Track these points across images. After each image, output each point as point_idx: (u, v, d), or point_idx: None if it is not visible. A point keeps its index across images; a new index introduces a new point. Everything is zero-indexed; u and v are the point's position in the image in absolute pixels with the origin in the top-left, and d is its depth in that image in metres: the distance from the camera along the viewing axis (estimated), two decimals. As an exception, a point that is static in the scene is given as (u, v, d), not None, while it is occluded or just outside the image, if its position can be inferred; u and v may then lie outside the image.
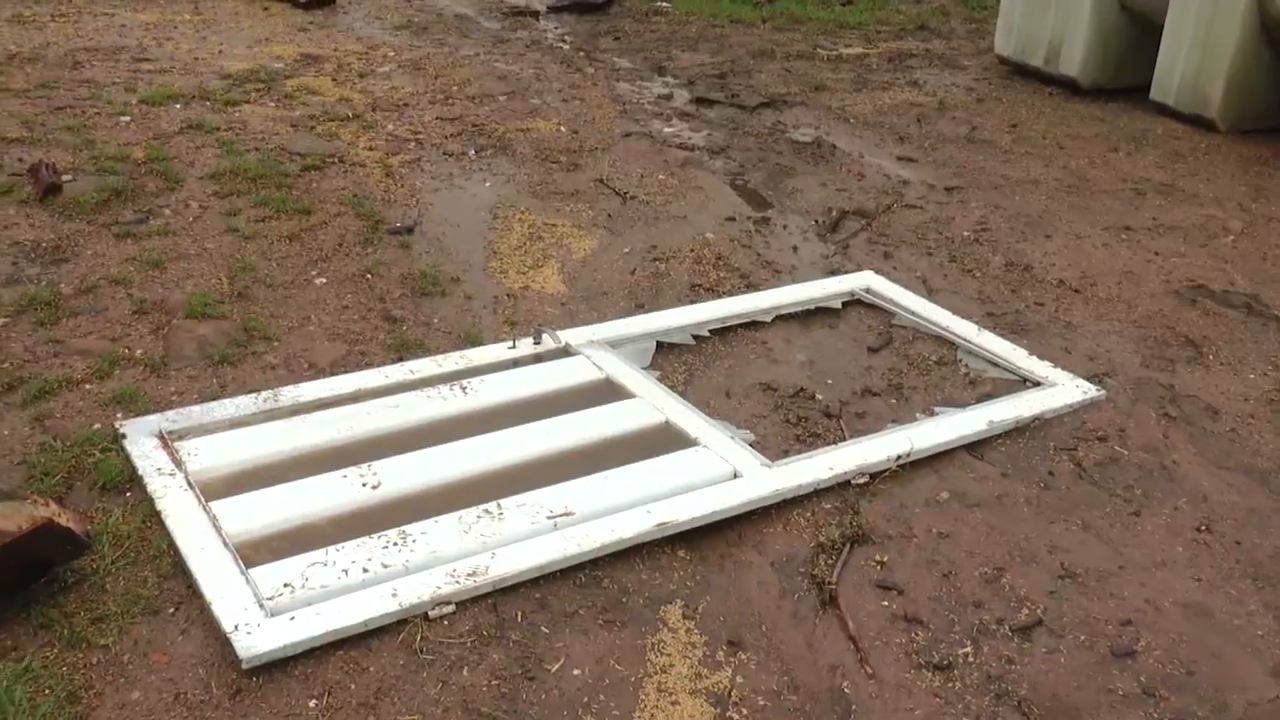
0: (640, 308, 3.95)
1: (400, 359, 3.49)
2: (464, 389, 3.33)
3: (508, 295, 3.96)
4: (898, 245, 4.64)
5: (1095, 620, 2.64)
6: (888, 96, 6.65)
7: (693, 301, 4.01)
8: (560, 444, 3.11)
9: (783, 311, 3.99)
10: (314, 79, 6.06)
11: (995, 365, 3.74)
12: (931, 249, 4.62)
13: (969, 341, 3.85)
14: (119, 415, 3.11)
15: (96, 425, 3.08)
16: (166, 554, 2.62)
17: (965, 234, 4.78)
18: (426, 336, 3.65)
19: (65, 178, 4.53)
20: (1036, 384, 3.62)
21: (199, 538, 2.64)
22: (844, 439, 3.28)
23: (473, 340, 3.64)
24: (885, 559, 2.80)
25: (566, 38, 7.47)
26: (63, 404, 3.17)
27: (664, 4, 8.45)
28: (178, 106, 5.48)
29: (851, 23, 8.32)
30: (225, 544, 2.62)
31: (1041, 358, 3.76)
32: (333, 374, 3.38)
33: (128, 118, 5.29)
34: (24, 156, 4.72)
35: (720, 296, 4.06)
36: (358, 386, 3.30)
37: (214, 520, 2.69)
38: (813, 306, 4.06)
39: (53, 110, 5.31)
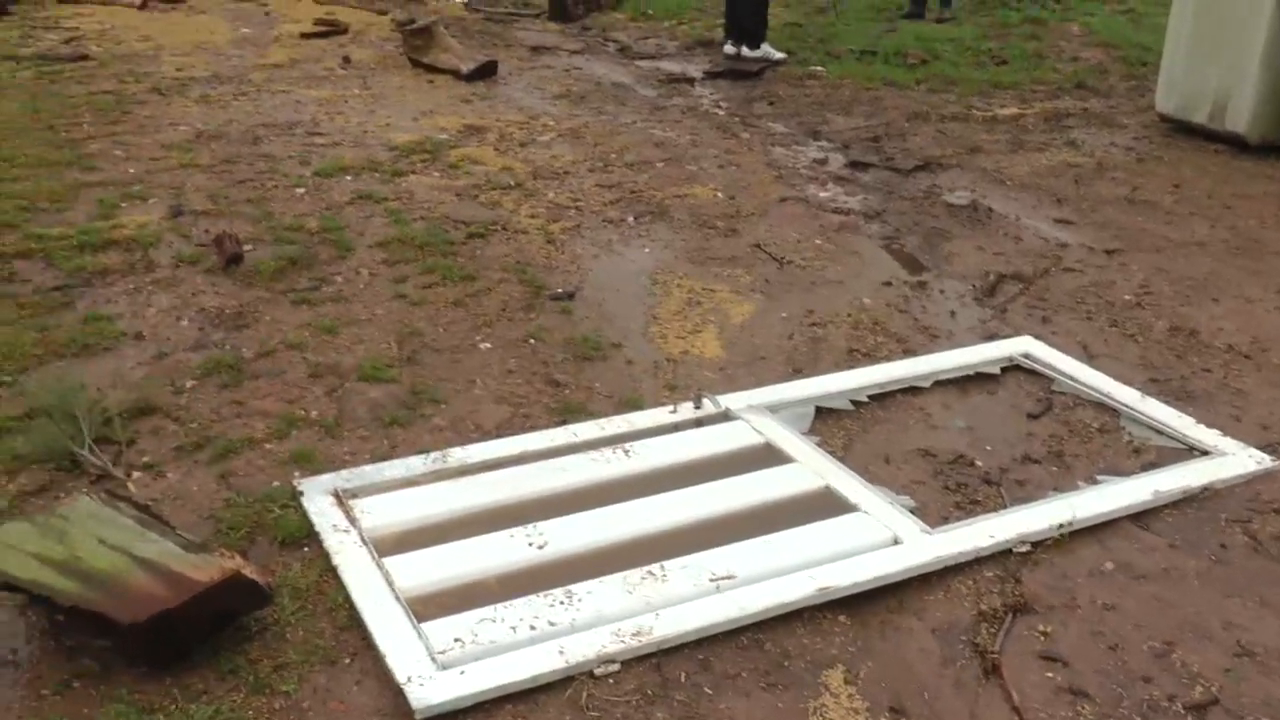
0: (798, 373, 3.98)
1: (564, 422, 3.58)
2: (626, 452, 3.40)
3: (667, 360, 4.03)
4: (1056, 310, 4.58)
5: (1277, 702, 2.56)
6: (1044, 157, 6.59)
7: (850, 367, 4.03)
8: (722, 507, 3.15)
9: (941, 377, 3.98)
10: (477, 149, 6.28)
11: (1160, 433, 3.66)
12: (1091, 313, 4.56)
13: (1132, 408, 3.78)
14: (296, 474, 3.26)
15: (276, 483, 3.23)
16: (342, 607, 2.73)
17: (1126, 298, 4.70)
18: (589, 400, 3.74)
19: (246, 248, 4.78)
20: (1204, 453, 3.54)
21: (373, 592, 2.75)
22: (1004, 506, 3.25)
23: (634, 404, 3.72)
24: (1049, 629, 2.76)
25: (721, 104, 7.59)
26: (245, 462, 3.34)
27: (817, 69, 8.52)
28: (348, 178, 5.74)
29: (1006, 82, 8.26)
30: (398, 599, 2.72)
31: (1210, 426, 3.68)
32: (498, 436, 3.49)
33: (303, 189, 5.56)
34: (210, 228, 5.00)
35: (878, 362, 4.07)
36: (523, 449, 3.40)
37: (387, 575, 2.80)
38: (971, 372, 4.04)
39: (235, 184, 5.62)
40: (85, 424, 3.44)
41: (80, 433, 3.40)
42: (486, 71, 7.93)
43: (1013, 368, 4.09)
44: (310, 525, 3.02)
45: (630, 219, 5.35)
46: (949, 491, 3.33)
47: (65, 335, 4.09)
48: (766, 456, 3.43)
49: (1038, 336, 4.31)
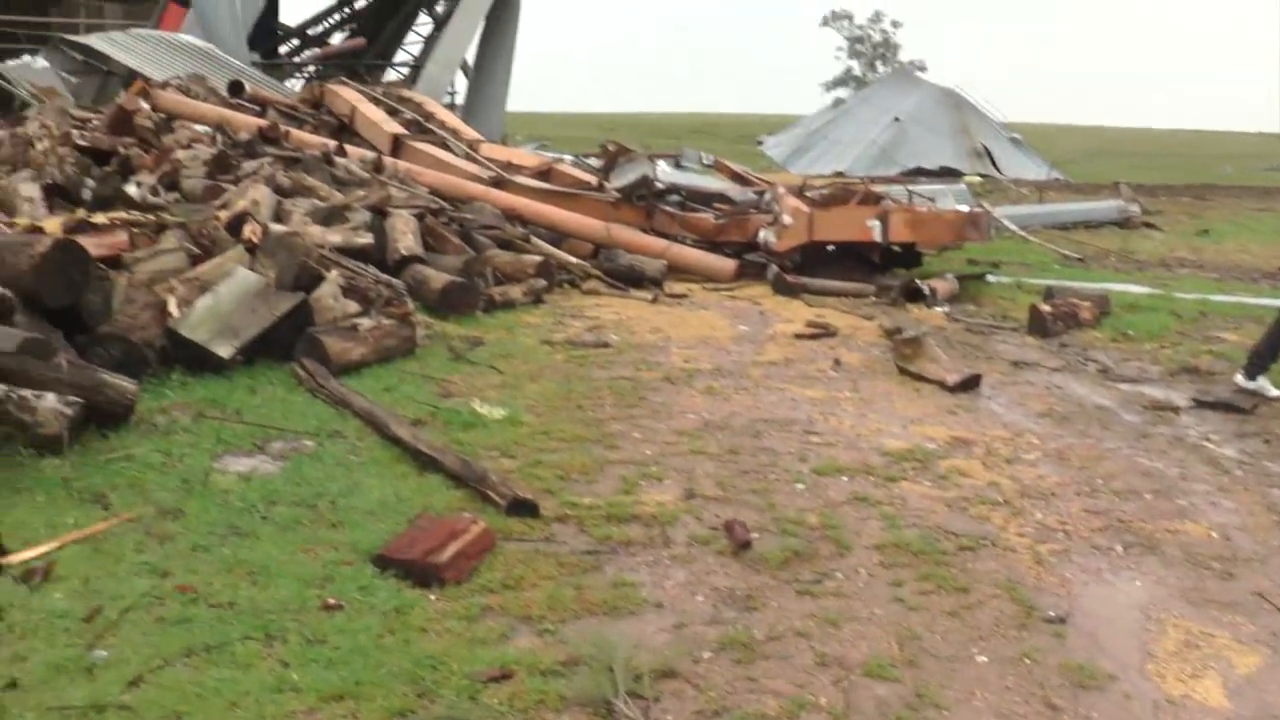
0: (1311, 734, 3.86)
1: (1062, 747, 3.67)
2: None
3: (1168, 701, 4.03)
4: None
5: None
6: None
7: (1368, 735, 3.86)
8: None
9: None
10: (965, 461, 6.56)
11: None
12: None
13: None
14: (808, 758, 3.54)
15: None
16: None
17: None
18: (1086, 729, 3.81)
19: (753, 535, 5.25)
20: None
21: None
22: None
23: (1133, 740, 3.75)
24: None
25: (1211, 436, 7.49)
26: (760, 739, 3.66)
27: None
28: (844, 479, 6.16)
29: None
30: None
31: None
32: (997, 752, 3.62)
33: (802, 485, 6.03)
34: (719, 513, 5.54)
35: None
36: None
37: None
38: None
39: (740, 473, 6.18)
40: (620, 678, 3.92)
41: (615, 685, 3.87)
42: (971, 384, 8.27)
43: None
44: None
45: (1119, 548, 5.40)
46: None
47: (597, 595, 4.65)
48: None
49: None
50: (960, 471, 6.37)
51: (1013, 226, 18.06)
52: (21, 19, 24.47)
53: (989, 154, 37.56)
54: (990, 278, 13.49)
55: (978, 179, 31.80)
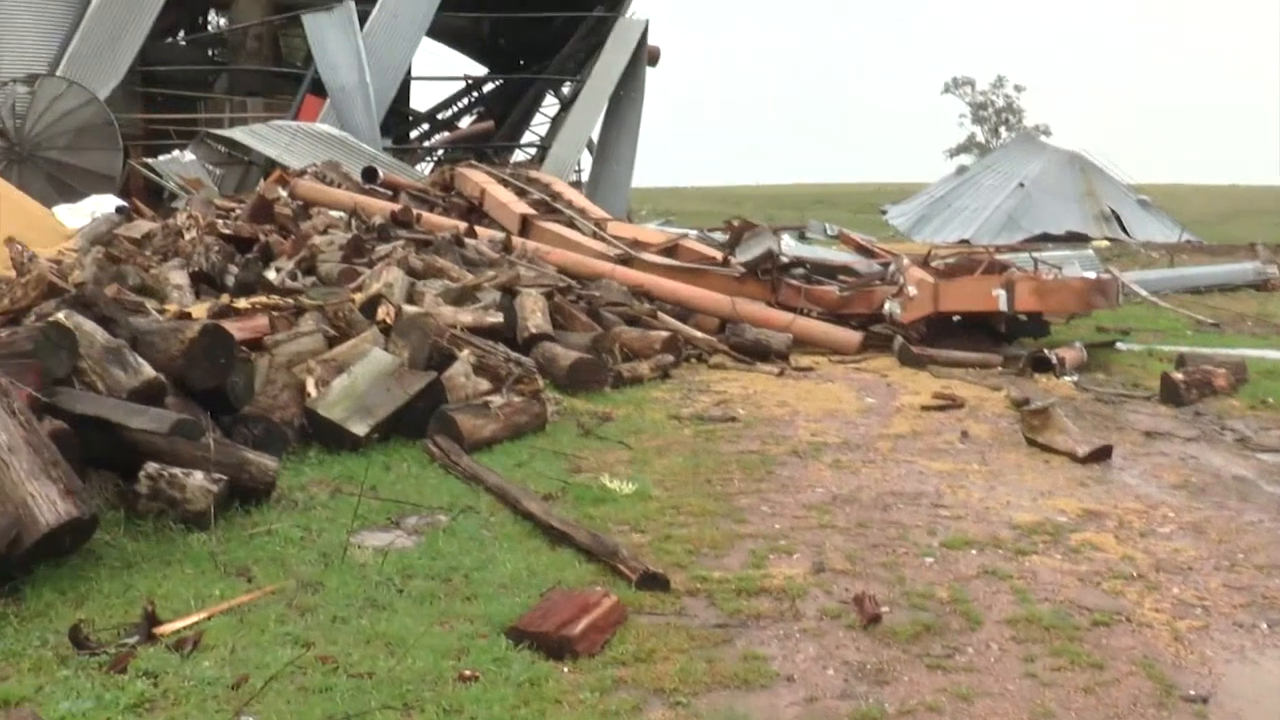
0: None
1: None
2: None
3: (1316, 782, 3.92)
4: None
5: None
6: None
7: None
8: None
9: None
10: (1096, 535, 6.45)
11: None
12: None
13: None
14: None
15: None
16: None
17: None
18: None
19: (883, 609, 5.24)
20: None
21: None
22: None
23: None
24: None
25: (1358, 509, 7.25)
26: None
27: None
28: (973, 552, 6.11)
29: None
30: None
31: None
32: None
33: (930, 559, 6.00)
34: (849, 587, 5.54)
35: None
36: None
37: None
38: None
39: (869, 547, 6.18)
40: (751, 753, 3.95)
41: (747, 761, 3.90)
42: (1101, 455, 8.13)
43: None
44: None
45: (1264, 625, 5.25)
46: None
47: (728, 668, 4.68)
48: None
49: None
50: (1093, 545, 6.26)
51: (1142, 292, 17.74)
52: (173, 117, 25.78)
53: (1117, 217, 36.96)
54: (1120, 345, 13.26)
55: (1106, 243, 31.30)
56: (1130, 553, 6.17)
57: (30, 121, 21.97)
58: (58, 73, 22.84)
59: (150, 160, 22.08)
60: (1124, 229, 36.18)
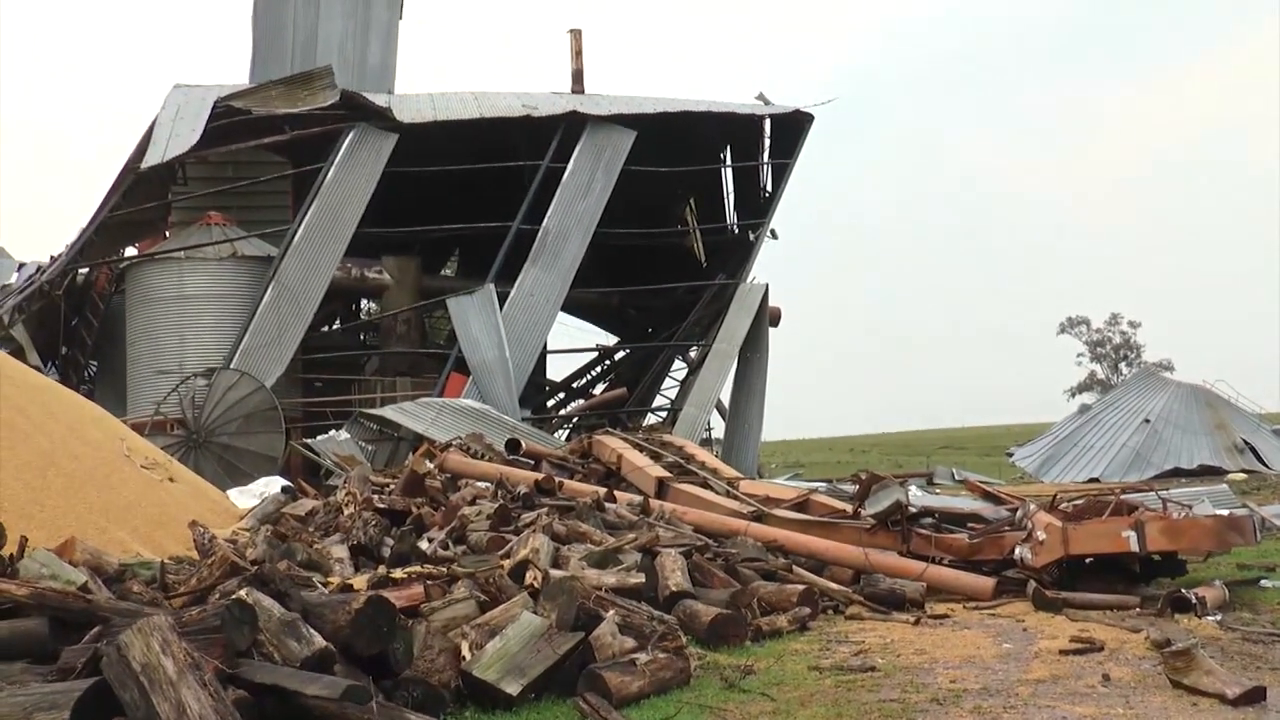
0: None
1: None
2: None
3: None
4: None
5: None
6: None
7: None
8: None
9: None
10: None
11: None
12: None
13: None
14: None
15: None
16: None
17: None
18: None
19: None
20: None
21: None
22: None
23: None
24: None
25: None
26: None
27: None
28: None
29: None
30: None
31: None
32: None
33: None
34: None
35: None
36: None
37: None
38: None
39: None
40: None
41: None
42: (1255, 697, 8.06)
43: None
44: None
45: None
46: None
47: None
48: None
49: None
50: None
51: (1286, 525, 17.41)
52: (330, 399, 27.50)
53: (1251, 448, 36.22)
54: (1265, 582, 13.06)
55: (1242, 476, 30.61)
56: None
57: (207, 411, 23.74)
58: (231, 365, 24.71)
59: (309, 440, 23.55)
60: (1261, 460, 35.41)
